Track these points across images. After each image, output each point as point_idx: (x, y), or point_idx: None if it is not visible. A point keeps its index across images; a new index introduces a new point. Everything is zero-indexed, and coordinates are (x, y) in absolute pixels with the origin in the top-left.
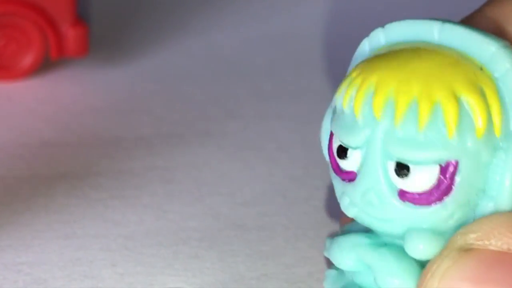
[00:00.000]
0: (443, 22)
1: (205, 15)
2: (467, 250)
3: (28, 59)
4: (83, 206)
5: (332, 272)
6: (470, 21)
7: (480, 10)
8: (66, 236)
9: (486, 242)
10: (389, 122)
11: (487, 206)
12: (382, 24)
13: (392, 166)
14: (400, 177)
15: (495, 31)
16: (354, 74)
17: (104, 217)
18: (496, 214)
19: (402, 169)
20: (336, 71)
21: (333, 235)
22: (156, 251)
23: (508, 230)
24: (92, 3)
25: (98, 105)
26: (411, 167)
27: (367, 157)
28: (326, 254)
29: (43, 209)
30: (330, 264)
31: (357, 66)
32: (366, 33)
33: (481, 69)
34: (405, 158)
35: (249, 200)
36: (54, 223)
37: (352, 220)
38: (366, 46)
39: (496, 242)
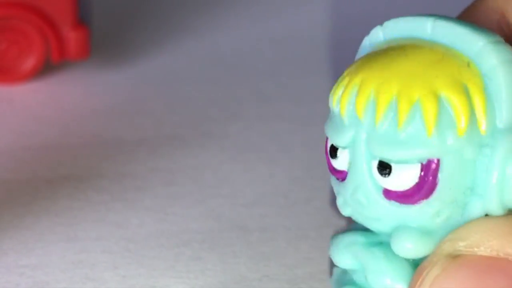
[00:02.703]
0: (437, 18)
1: (206, 17)
2: (455, 256)
3: (29, 62)
4: (85, 209)
5: (338, 270)
6: (472, 11)
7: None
8: (68, 239)
9: (475, 249)
10: (370, 122)
11: (475, 205)
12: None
13: (376, 165)
14: (383, 176)
15: (499, 22)
16: (344, 74)
17: (106, 219)
18: (485, 219)
19: (384, 168)
20: (338, 72)
21: (336, 234)
22: (158, 253)
23: (497, 235)
24: (93, 5)
25: (99, 107)
26: (393, 166)
27: (354, 157)
28: (329, 255)
29: (45, 212)
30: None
31: (349, 66)
32: (368, 34)
33: (468, 65)
34: (386, 157)
35: (250, 202)
36: (56, 226)
37: None
38: (367, 43)
39: (486, 249)
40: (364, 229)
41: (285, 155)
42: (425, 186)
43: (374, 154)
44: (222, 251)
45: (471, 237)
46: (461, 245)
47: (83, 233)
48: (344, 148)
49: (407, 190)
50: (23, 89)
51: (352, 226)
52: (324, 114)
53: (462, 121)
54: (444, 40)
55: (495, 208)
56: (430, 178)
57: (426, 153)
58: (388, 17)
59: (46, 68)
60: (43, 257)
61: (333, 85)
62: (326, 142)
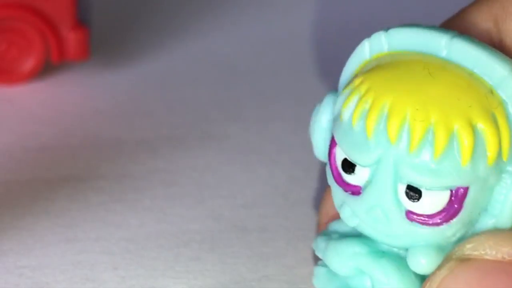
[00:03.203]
0: (451, 37)
1: (206, 18)
2: (463, 260)
3: (29, 63)
4: (84, 210)
5: (321, 270)
6: (465, 17)
7: (477, 3)
8: (68, 240)
9: (482, 252)
10: (403, 147)
11: (487, 222)
12: (382, 27)
13: (402, 188)
14: (412, 200)
15: (489, 31)
16: (359, 84)
17: (106, 220)
18: (493, 229)
19: (413, 192)
20: (337, 73)
21: (324, 235)
22: (158, 253)
23: (502, 240)
24: (93, 6)
25: (99, 108)
26: (423, 191)
27: (376, 176)
28: (318, 255)
29: (45, 213)
30: (317, 260)
31: (362, 75)
32: (367, 35)
33: (491, 92)
34: (418, 183)
35: (250, 202)
36: (56, 226)
37: (337, 217)
38: (366, 48)
39: (491, 251)
40: (356, 233)
41: (285, 156)
42: (451, 211)
43: (404, 178)
44: (222, 252)
45: (477, 240)
46: (468, 247)
47: (83, 234)
48: (364, 166)
49: (432, 214)
50: (22, 89)
51: (335, 227)
52: None
53: (494, 152)
54: (462, 62)
55: (507, 227)
56: (457, 204)
57: (458, 182)
58: (388, 18)
59: (45, 68)
60: (43, 258)
61: (333, 86)
62: (332, 151)
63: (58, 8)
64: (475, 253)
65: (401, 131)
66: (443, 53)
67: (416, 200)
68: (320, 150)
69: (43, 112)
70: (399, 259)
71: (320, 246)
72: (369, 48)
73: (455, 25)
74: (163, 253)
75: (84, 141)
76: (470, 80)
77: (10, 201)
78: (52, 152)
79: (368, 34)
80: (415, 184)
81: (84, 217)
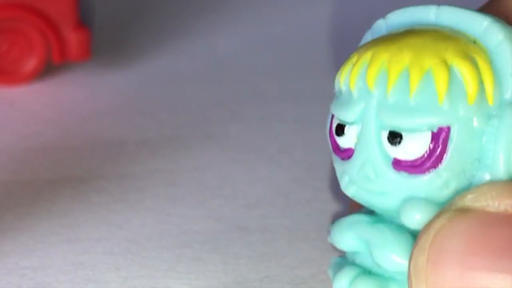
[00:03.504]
0: (439, 5)
1: (207, 18)
2: (464, 210)
3: (30, 64)
4: (86, 210)
5: (336, 259)
6: (495, 5)
7: (494, 1)
8: (70, 240)
9: (484, 203)
10: (381, 92)
11: (483, 177)
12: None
13: (385, 136)
14: (393, 145)
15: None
16: (352, 55)
17: (107, 221)
18: (493, 181)
19: (394, 137)
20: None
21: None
22: (159, 254)
23: (505, 191)
24: (94, 7)
25: (100, 109)
26: (404, 134)
27: (363, 131)
28: (329, 240)
29: (46, 214)
30: (335, 251)
31: (357, 49)
32: (370, 36)
33: (475, 42)
34: (397, 126)
35: (251, 202)
36: (57, 227)
37: (361, 208)
38: (369, 37)
39: (493, 203)
40: (368, 212)
41: (286, 156)
42: (435, 154)
43: (385, 123)
44: (223, 252)
45: (479, 190)
46: (469, 198)
47: (85, 235)
48: (352, 123)
49: (417, 159)
50: (24, 90)
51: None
52: (325, 115)
53: (471, 90)
54: (448, 24)
55: (503, 178)
56: (440, 146)
57: (437, 121)
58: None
59: (47, 69)
60: (44, 258)
61: (332, 86)
62: (331, 125)
63: (60, 9)
64: (476, 204)
65: (378, 76)
66: (432, 20)
67: (398, 144)
68: (328, 136)
69: (45, 113)
70: (397, 226)
71: (330, 231)
72: (371, 36)
73: (493, 11)
74: (165, 253)
75: (86, 142)
76: (452, 33)
77: (11, 201)
78: (54, 152)
79: (370, 27)
80: (394, 126)
81: (85, 218)
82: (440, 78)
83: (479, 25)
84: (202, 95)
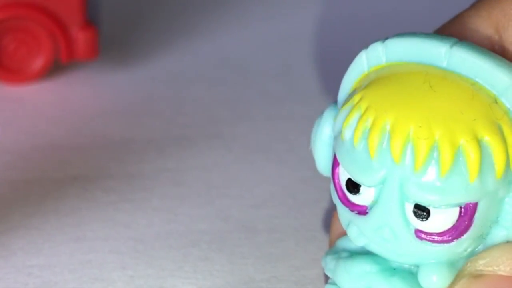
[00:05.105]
0: (451, 46)
1: (214, 18)
2: (476, 276)
3: (38, 63)
4: (93, 209)
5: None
6: (463, 22)
7: (474, 8)
8: (77, 239)
9: (495, 268)
10: (408, 166)
11: (498, 234)
12: (385, 28)
13: (410, 208)
14: (420, 219)
15: (491, 38)
16: (358, 100)
17: (115, 220)
18: (505, 243)
19: (421, 211)
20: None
21: (333, 253)
22: (166, 253)
23: None
24: (101, 6)
25: (108, 108)
26: (431, 210)
27: (383, 196)
28: (328, 274)
29: (54, 212)
30: (327, 279)
31: (361, 90)
32: (376, 34)
33: (496, 101)
34: (425, 202)
35: (258, 202)
36: (65, 226)
37: (345, 234)
38: (364, 60)
39: (505, 267)
40: (368, 252)
41: (293, 156)
42: (461, 227)
43: (411, 197)
44: (230, 252)
45: (491, 256)
46: (481, 264)
47: (92, 233)
48: (369, 186)
49: (441, 232)
50: (31, 89)
51: (343, 243)
52: None
53: (501, 165)
54: (464, 72)
55: None
56: (467, 220)
57: (467, 198)
58: (391, 18)
59: (54, 68)
60: (52, 257)
61: (339, 85)
62: (335, 169)
63: (67, 8)
64: (489, 268)
65: (405, 150)
66: (444, 64)
67: (425, 219)
68: (322, 165)
69: (52, 112)
70: (410, 276)
71: (330, 265)
72: (367, 60)
73: (454, 30)
74: (172, 253)
75: (93, 141)
76: (473, 90)
77: (19, 200)
78: (61, 151)
79: (377, 33)
80: (422, 203)
81: (93, 217)
82: (473, 157)
83: (500, 82)
84: (209, 95)
